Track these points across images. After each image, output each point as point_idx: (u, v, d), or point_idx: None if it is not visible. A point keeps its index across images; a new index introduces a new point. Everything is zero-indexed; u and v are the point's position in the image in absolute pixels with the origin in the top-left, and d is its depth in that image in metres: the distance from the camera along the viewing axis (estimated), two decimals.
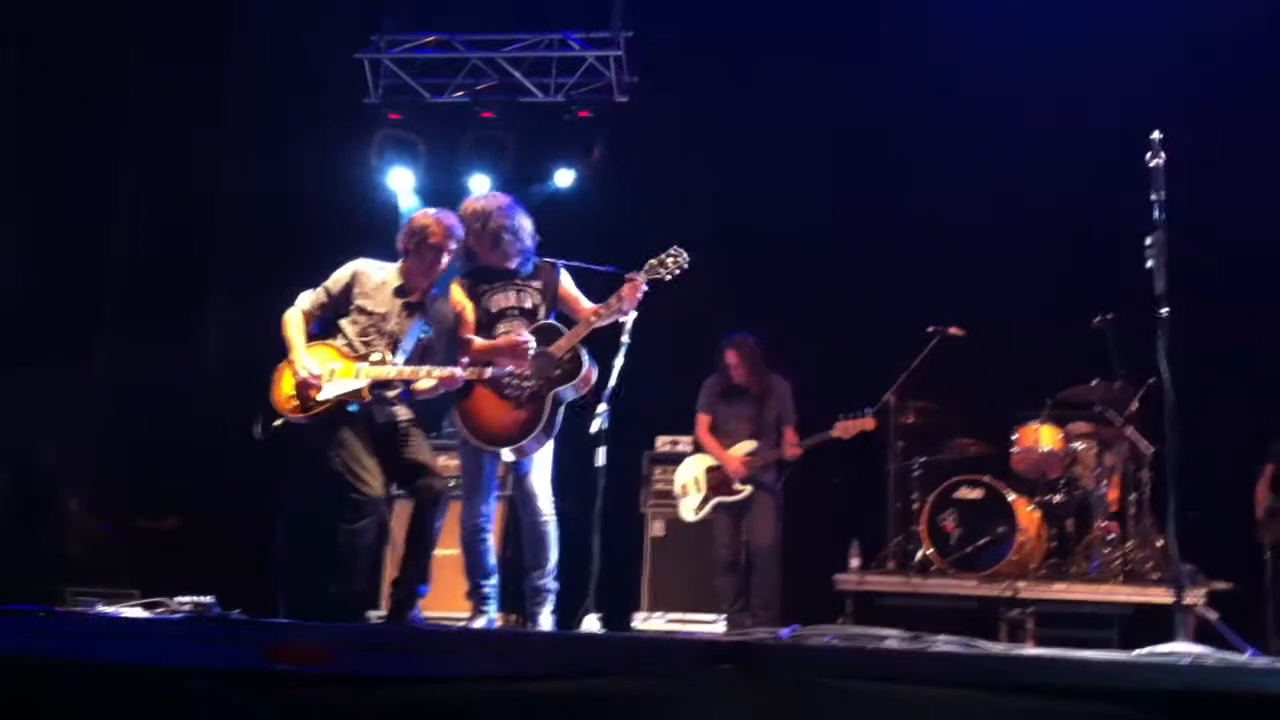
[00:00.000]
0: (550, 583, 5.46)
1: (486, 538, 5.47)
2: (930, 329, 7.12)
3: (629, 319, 5.33)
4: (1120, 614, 6.24)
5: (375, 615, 6.04)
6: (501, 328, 5.46)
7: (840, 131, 7.84)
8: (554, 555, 5.48)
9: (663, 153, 8.02)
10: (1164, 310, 4.30)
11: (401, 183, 8.30)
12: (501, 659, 3.92)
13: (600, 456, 5.62)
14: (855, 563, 6.99)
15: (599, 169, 8.18)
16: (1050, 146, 7.40)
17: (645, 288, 5.33)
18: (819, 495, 7.34)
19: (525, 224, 5.56)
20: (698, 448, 7.11)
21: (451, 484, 6.97)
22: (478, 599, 5.44)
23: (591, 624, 6.40)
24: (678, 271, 5.37)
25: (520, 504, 5.53)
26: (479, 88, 8.35)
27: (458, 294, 5.55)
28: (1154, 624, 5.36)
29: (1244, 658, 3.96)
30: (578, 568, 6.93)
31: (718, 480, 6.90)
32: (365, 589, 5.42)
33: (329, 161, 8.27)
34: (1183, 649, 3.80)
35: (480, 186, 8.23)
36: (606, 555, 5.91)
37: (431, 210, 5.59)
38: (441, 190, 8.04)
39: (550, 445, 5.49)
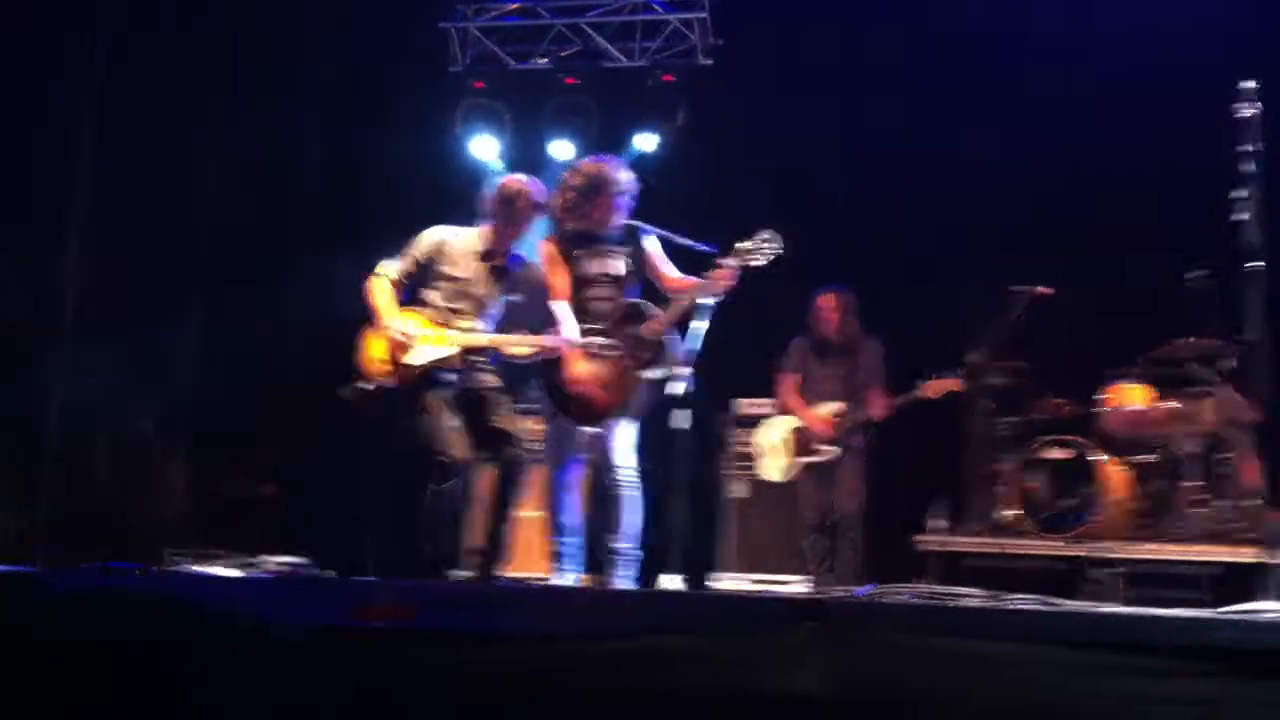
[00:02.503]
0: (628, 547, 5.49)
1: (566, 499, 5.53)
2: (1017, 288, 7.03)
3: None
4: (1210, 574, 6.12)
5: (457, 577, 6.15)
6: (594, 293, 5.49)
7: (925, 94, 7.73)
8: (632, 520, 5.51)
9: (747, 117, 7.98)
10: (1257, 264, 4.19)
11: (486, 150, 8.38)
12: (581, 617, 3.99)
13: (683, 419, 5.67)
14: (940, 524, 6.95)
15: (682, 134, 8.17)
16: (1138, 98, 7.21)
17: (737, 274, 5.29)
18: (905, 457, 7.29)
19: (635, 190, 5.59)
20: (782, 409, 7.10)
21: (536, 448, 7.14)
22: (557, 558, 5.52)
23: (673, 583, 6.49)
24: (770, 258, 5.29)
25: (599, 468, 5.58)
26: (563, 54, 8.38)
27: (552, 257, 5.55)
28: (1244, 584, 5.26)
29: None
30: (660, 530, 7.05)
31: (803, 441, 6.91)
32: (450, 550, 5.52)
33: (415, 130, 8.37)
34: (1269, 607, 3.75)
35: (564, 153, 8.30)
36: (689, 518, 5.99)
37: (521, 175, 5.66)
38: (525, 157, 8.11)
39: None
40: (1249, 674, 3.17)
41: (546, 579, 5.60)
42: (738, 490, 7.50)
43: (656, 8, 8.22)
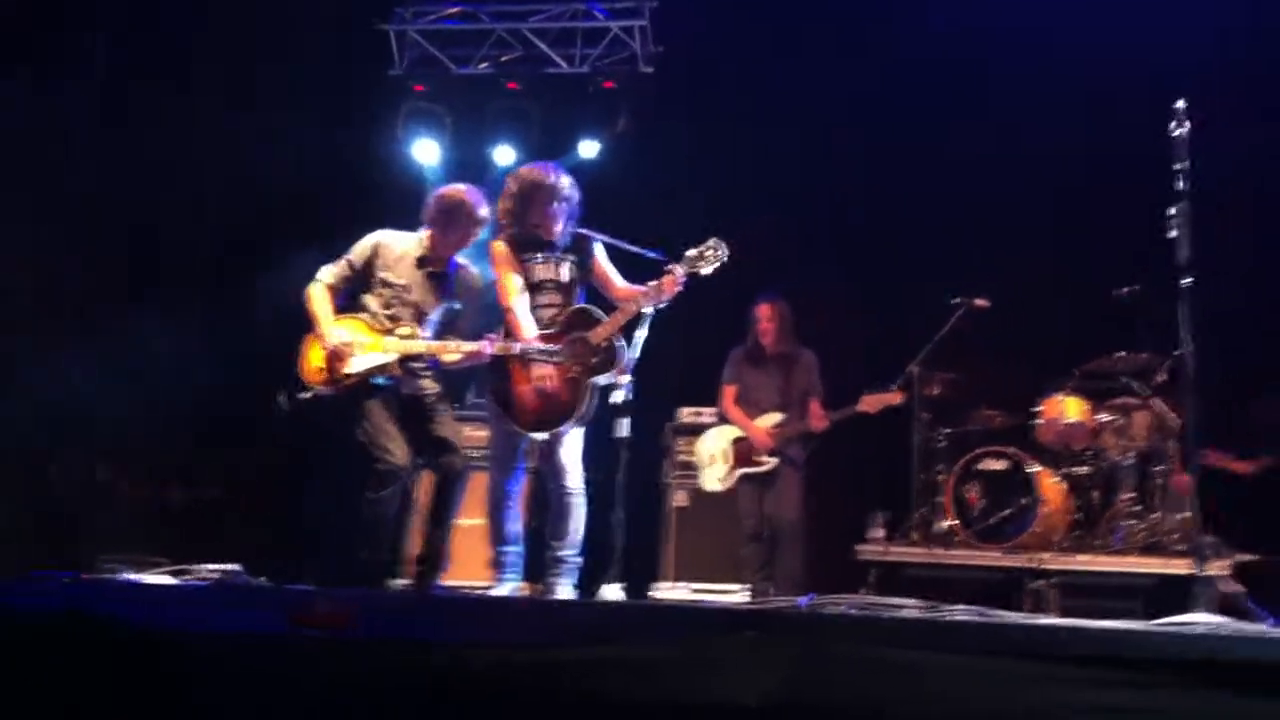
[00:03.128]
0: (571, 555, 5.48)
1: (510, 507, 5.50)
2: (955, 300, 7.10)
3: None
4: (1143, 585, 6.21)
5: (398, 585, 6.10)
6: (540, 299, 5.48)
7: (867, 103, 7.79)
8: (577, 529, 5.50)
9: (688, 124, 7.99)
10: (1186, 280, 4.26)
11: (427, 155, 8.32)
12: (522, 626, 3.97)
13: (623, 428, 5.66)
14: (878, 534, 7.00)
15: (624, 140, 8.16)
16: (1077, 115, 7.32)
17: (684, 281, 5.32)
18: (844, 467, 7.33)
19: (575, 197, 5.60)
20: (723, 419, 7.12)
21: (476, 455, 7.09)
22: (498, 566, 5.48)
23: (613, 593, 6.47)
24: (717, 265, 5.33)
25: (548, 476, 5.56)
26: (504, 59, 8.35)
27: (503, 257, 5.52)
28: (1177, 595, 5.33)
29: (1262, 628, 3.95)
30: (600, 538, 7.03)
31: (743, 451, 6.93)
32: (389, 558, 5.48)
33: (354, 134, 8.29)
34: (1201, 619, 3.80)
35: (505, 158, 8.27)
36: (628, 526, 5.98)
37: (462, 185, 5.64)
38: (467, 162, 8.07)
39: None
40: (1182, 685, 3.20)
41: (487, 587, 5.54)
42: (679, 499, 7.50)
43: (597, 14, 8.21)
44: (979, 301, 7.07)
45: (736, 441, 6.95)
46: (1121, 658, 3.32)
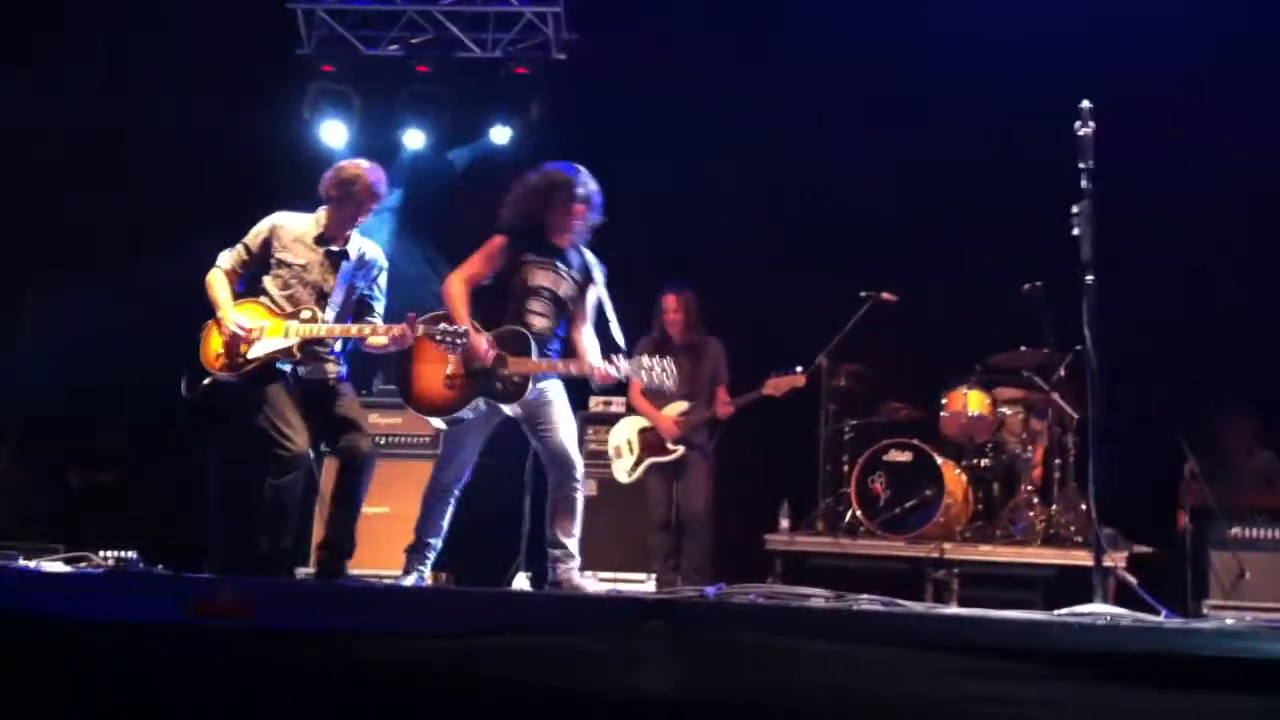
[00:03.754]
0: (572, 545, 5.34)
1: (451, 501, 5.40)
2: (863, 294, 7.17)
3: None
4: (1043, 576, 6.34)
5: (303, 573, 6.00)
6: (533, 306, 5.32)
7: (780, 94, 7.83)
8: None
9: (600, 111, 7.94)
10: (1089, 278, 4.33)
11: (334, 136, 8.18)
12: (431, 616, 3.92)
13: None
14: (785, 524, 7.06)
15: (536, 127, 8.11)
16: (986, 112, 7.42)
17: (619, 379, 5.39)
18: (751, 457, 7.38)
19: (597, 212, 5.49)
20: (630, 409, 7.12)
21: (382, 442, 7.01)
22: (418, 557, 5.38)
23: (522, 582, 6.45)
24: (656, 385, 5.34)
25: (552, 469, 5.36)
26: (415, 41, 8.23)
27: (493, 249, 5.36)
28: (1076, 586, 5.45)
29: (1158, 619, 4.05)
30: (509, 527, 6.99)
31: (651, 441, 6.93)
32: (292, 545, 5.37)
33: (259, 114, 8.12)
34: (1099, 610, 3.88)
35: (415, 142, 8.18)
36: (537, 516, 5.95)
37: (363, 161, 5.51)
38: (376, 145, 7.92)
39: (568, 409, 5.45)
40: (1082, 676, 3.27)
41: (396, 577, 5.46)
42: (588, 489, 7.44)
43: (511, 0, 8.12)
44: (886, 295, 7.15)
45: (644, 431, 6.97)
46: (1021, 648, 3.37)
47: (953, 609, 4.94)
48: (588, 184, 5.46)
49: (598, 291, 5.46)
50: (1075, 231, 4.48)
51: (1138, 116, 6.60)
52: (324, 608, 3.93)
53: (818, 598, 4.12)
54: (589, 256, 5.50)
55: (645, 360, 5.28)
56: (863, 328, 7.17)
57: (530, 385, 5.19)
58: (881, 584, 5.50)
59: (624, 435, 7.04)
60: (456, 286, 5.30)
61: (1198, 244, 7.17)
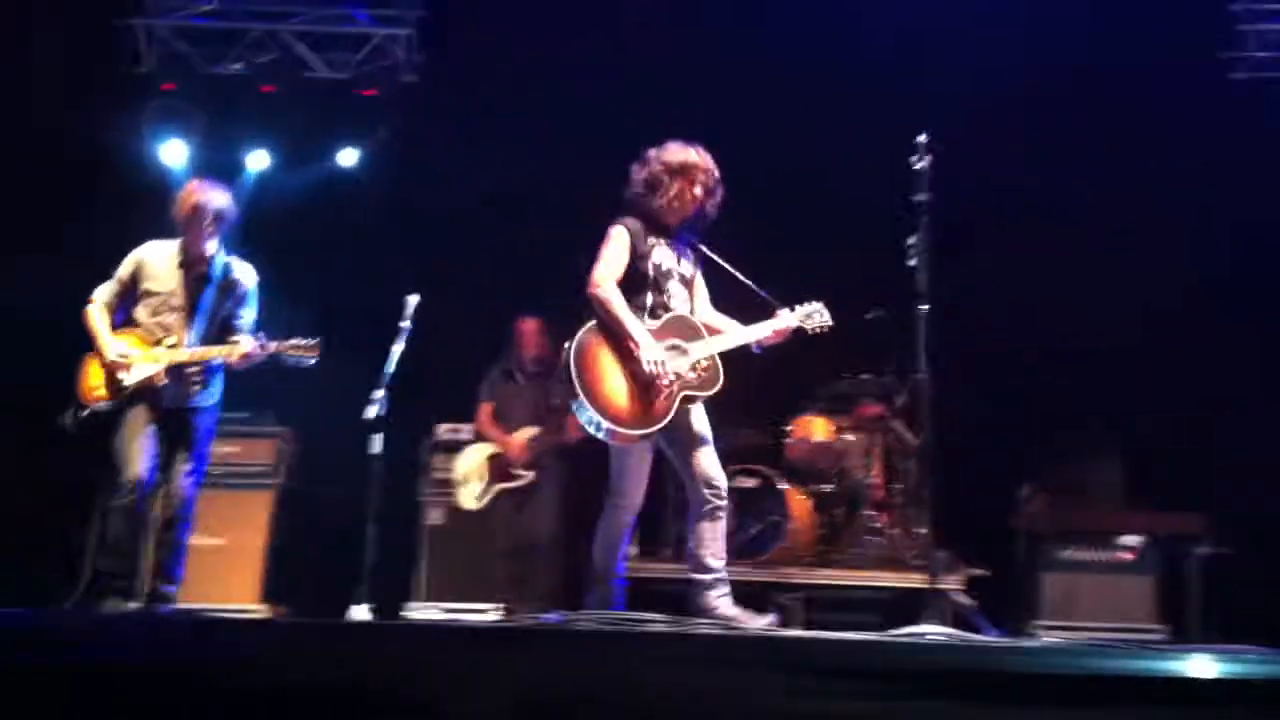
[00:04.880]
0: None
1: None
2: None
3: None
4: (882, 599, 6.46)
5: (129, 605, 5.79)
6: (671, 290, 5.00)
7: (625, 119, 7.83)
8: None
9: (451, 135, 7.87)
10: (924, 307, 4.43)
11: (174, 156, 7.96)
12: (265, 647, 3.81)
13: (376, 443, 5.54)
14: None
15: (385, 150, 8.01)
16: (830, 141, 7.56)
17: (790, 328, 5.11)
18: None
19: (719, 192, 5.13)
20: (479, 436, 7.04)
21: (218, 471, 6.81)
22: (606, 599, 5.07)
23: (362, 614, 6.30)
24: (816, 330, 5.18)
25: (697, 486, 4.99)
26: (259, 60, 8.06)
27: (612, 238, 5.01)
28: (914, 608, 5.56)
29: (987, 638, 4.15)
30: (351, 557, 6.83)
31: (499, 467, 6.87)
32: (128, 574, 5.25)
33: (98, 132, 7.85)
34: (931, 630, 3.96)
35: (259, 163, 8.01)
36: (382, 545, 5.84)
37: (194, 181, 5.59)
38: (218, 165, 7.74)
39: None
40: (912, 694, 3.32)
41: (234, 608, 5.33)
42: (434, 518, 7.37)
43: (359, 20, 8.01)
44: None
45: (492, 458, 6.90)
46: (853, 668, 3.41)
47: (792, 631, 4.99)
48: (709, 160, 5.15)
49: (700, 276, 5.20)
50: (912, 261, 4.59)
51: (978, 146, 6.78)
52: (136, 638, 3.78)
53: (658, 623, 4.12)
54: (695, 243, 5.19)
55: (805, 309, 5.13)
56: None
57: (719, 369, 4.90)
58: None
59: (474, 462, 6.95)
60: (612, 294, 4.89)
61: (1037, 272, 7.41)
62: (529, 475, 6.79)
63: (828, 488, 7.16)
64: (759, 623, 4.81)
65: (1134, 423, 7.33)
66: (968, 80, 7.30)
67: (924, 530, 6.40)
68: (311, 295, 7.81)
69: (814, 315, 5.12)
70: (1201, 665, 3.21)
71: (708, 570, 4.90)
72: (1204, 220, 7.45)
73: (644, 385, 4.71)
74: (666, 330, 4.85)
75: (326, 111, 8.05)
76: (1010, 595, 6.86)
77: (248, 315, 5.50)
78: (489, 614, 6.84)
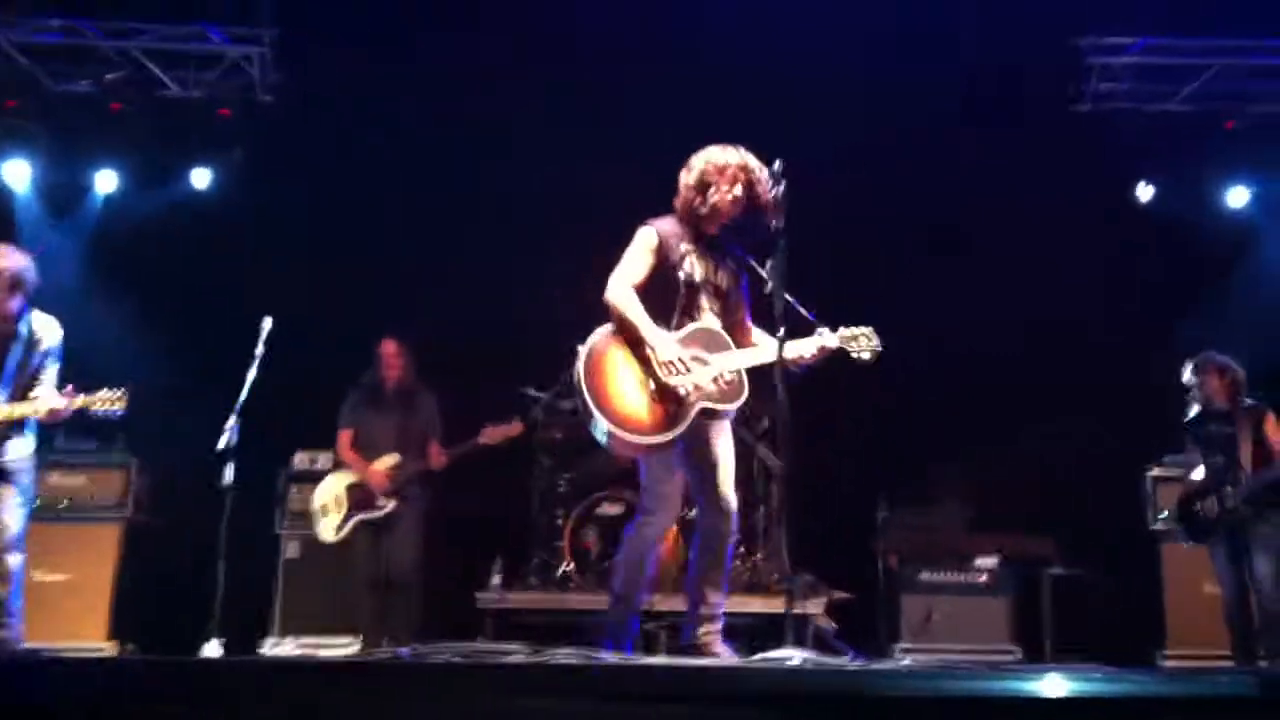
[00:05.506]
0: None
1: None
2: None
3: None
4: (746, 624, 6.47)
5: None
6: (703, 302, 4.66)
7: (479, 142, 7.80)
8: None
9: (308, 155, 7.72)
10: (780, 332, 4.43)
11: (17, 176, 7.66)
12: (112, 686, 3.64)
13: (228, 474, 5.38)
14: (497, 580, 6.96)
15: (240, 170, 7.83)
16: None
17: (829, 355, 4.68)
18: (467, 511, 7.27)
19: (767, 196, 4.64)
20: (339, 464, 6.88)
21: (63, 505, 6.56)
22: (622, 620, 4.71)
23: (213, 650, 6.10)
24: (865, 356, 4.71)
25: (707, 513, 4.68)
26: (109, 78, 7.80)
27: (636, 242, 4.66)
28: (777, 632, 5.59)
29: (844, 661, 4.17)
30: (204, 592, 6.62)
31: (359, 497, 6.70)
32: None
33: None
34: (791, 654, 3.96)
35: (107, 183, 7.77)
36: (236, 578, 5.66)
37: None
38: (63, 184, 7.51)
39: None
40: (769, 717, 3.32)
41: (81, 647, 5.11)
42: (291, 551, 7.18)
43: (213, 38, 7.80)
44: None
45: (352, 487, 6.72)
46: (719, 695, 3.39)
47: (652, 659, 4.96)
48: (750, 160, 4.74)
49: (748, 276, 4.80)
50: (768, 287, 4.58)
51: (828, 178, 6.89)
52: None
53: (516, 653, 4.05)
54: (734, 246, 4.81)
55: (849, 332, 4.70)
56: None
57: (744, 383, 4.58)
58: (592, 638, 5.49)
59: (330, 492, 6.76)
60: (626, 296, 4.56)
61: (892, 301, 7.55)
62: (391, 504, 6.64)
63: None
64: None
65: (985, 450, 7.53)
66: (819, 110, 7.43)
67: (786, 555, 6.48)
68: (162, 319, 7.64)
69: (861, 339, 4.73)
70: (1052, 685, 3.27)
71: (704, 603, 4.63)
72: (1053, 254, 7.71)
73: (659, 393, 4.43)
74: (690, 340, 4.56)
75: (179, 131, 7.83)
76: (872, 618, 6.96)
77: (52, 370, 5.45)
78: (346, 648, 6.68)
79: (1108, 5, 7.66)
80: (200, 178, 7.87)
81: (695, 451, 4.55)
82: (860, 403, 7.21)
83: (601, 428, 4.42)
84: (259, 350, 5.57)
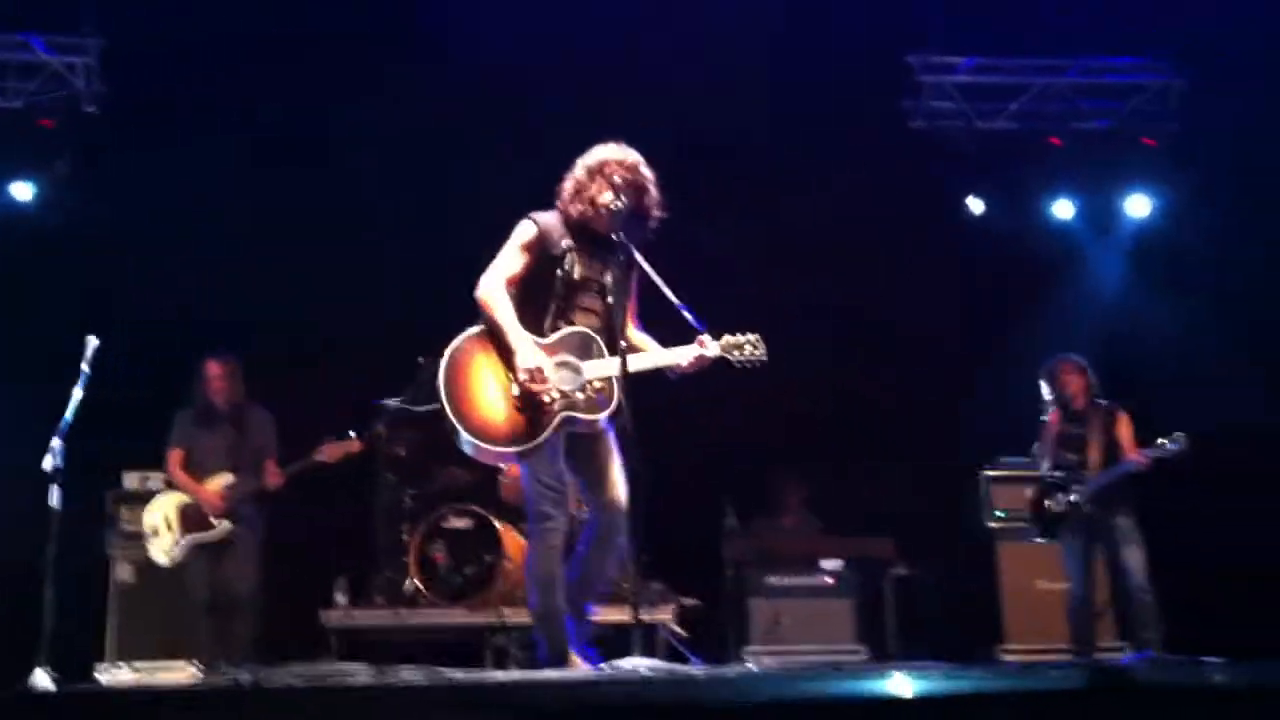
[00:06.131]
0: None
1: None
2: (421, 359, 7.11)
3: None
4: (599, 634, 6.45)
5: None
6: (582, 301, 4.51)
7: (306, 150, 7.65)
8: None
9: (137, 167, 7.45)
10: (622, 343, 4.42)
11: None
12: None
13: (54, 496, 5.16)
14: (342, 599, 6.82)
15: (65, 182, 7.54)
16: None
17: (709, 362, 4.52)
18: (307, 530, 7.12)
19: (647, 189, 4.54)
20: (170, 485, 6.65)
21: None
22: (558, 642, 4.50)
23: (43, 680, 5.84)
24: (749, 365, 4.56)
25: (604, 518, 4.53)
26: None
27: (514, 237, 4.49)
28: (626, 641, 5.60)
29: (691, 669, 4.20)
30: (29, 619, 6.34)
31: (193, 517, 6.49)
32: None
33: None
34: (637, 663, 3.97)
35: None
36: (65, 604, 5.45)
37: None
38: None
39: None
40: None
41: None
42: (123, 573, 6.92)
43: (34, 48, 7.48)
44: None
45: (184, 508, 6.50)
46: (568, 708, 3.37)
47: (501, 674, 4.91)
48: (629, 156, 4.59)
49: (637, 269, 4.59)
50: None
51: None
52: None
53: (360, 673, 3.97)
54: (621, 239, 4.57)
55: (730, 340, 4.54)
56: (420, 395, 7.09)
57: (615, 392, 4.37)
58: (441, 654, 5.43)
59: (161, 512, 6.52)
60: (494, 292, 4.43)
61: (740, 312, 7.64)
62: (225, 524, 6.44)
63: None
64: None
65: (827, 456, 7.69)
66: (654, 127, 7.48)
67: (633, 564, 6.50)
68: None
69: (745, 347, 4.58)
70: (894, 684, 3.33)
71: (583, 614, 4.56)
72: (887, 264, 7.92)
73: (520, 400, 4.32)
74: (562, 344, 4.43)
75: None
76: (721, 624, 7.02)
77: None
78: (184, 672, 6.46)
79: (933, 25, 7.89)
80: (22, 190, 7.56)
81: (577, 458, 4.45)
82: (704, 410, 7.28)
83: (461, 437, 4.33)
84: (84, 368, 5.36)
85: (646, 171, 4.55)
